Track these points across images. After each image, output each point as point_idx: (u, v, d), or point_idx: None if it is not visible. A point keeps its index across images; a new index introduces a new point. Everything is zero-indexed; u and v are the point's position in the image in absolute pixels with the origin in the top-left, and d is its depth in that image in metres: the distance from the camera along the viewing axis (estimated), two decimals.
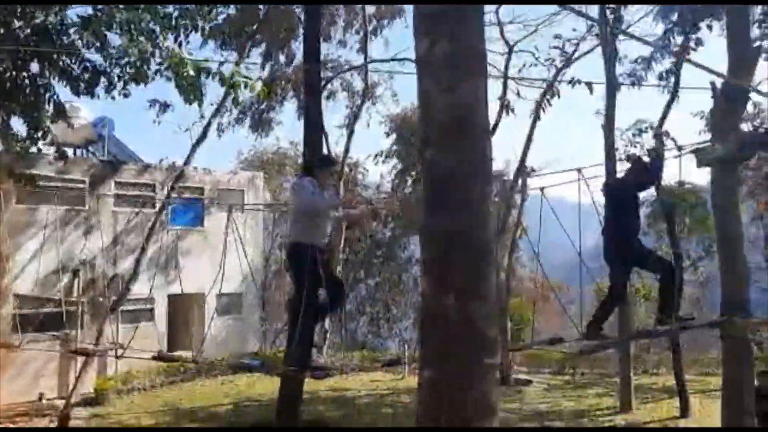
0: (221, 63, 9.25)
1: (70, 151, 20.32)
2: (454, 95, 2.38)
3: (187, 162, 16.92)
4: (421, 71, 2.50)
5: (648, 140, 14.22)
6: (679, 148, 6.12)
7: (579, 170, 8.40)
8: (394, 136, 26.12)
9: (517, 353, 19.34)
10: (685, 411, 12.79)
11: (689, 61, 10.73)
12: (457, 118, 2.39)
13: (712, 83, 7.04)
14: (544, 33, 16.71)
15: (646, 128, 14.62)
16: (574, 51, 16.48)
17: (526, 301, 22.26)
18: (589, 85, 11.56)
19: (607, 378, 17.03)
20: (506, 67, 17.48)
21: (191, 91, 8.94)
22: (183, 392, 15.52)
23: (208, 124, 16.55)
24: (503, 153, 49.93)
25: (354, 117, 20.77)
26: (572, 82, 11.66)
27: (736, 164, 6.48)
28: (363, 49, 19.96)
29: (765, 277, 22.66)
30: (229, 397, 14.88)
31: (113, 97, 9.13)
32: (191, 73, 8.71)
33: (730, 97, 7.04)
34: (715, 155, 6.41)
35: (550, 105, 14.85)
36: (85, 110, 17.92)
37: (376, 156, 25.78)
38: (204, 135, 16.47)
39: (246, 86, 9.45)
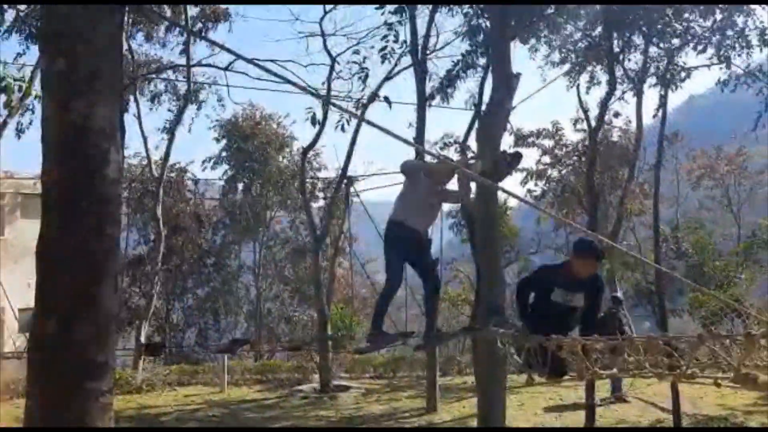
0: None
1: None
2: (68, 115, 2.35)
3: None
4: (42, 89, 2.44)
5: (452, 153, 15.07)
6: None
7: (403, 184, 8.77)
8: (224, 141, 25.59)
9: (341, 360, 19.71)
10: None
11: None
12: (70, 139, 2.35)
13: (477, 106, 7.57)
14: (365, 46, 16.83)
15: (452, 142, 15.50)
16: (394, 66, 17.17)
17: (351, 307, 22.64)
18: (387, 100, 12.05)
19: (422, 380, 17.76)
20: (329, 77, 17.72)
21: None
22: None
23: (3, 124, 15.23)
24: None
25: (176, 120, 20.05)
26: (370, 100, 12.05)
27: (494, 178, 6.96)
28: (186, 51, 19.35)
29: None
30: (19, 422, 13.65)
31: None
32: None
33: (491, 118, 7.65)
34: (475, 170, 6.92)
35: (355, 118, 15.22)
36: None
37: (204, 161, 25.07)
38: None
39: (20, 89, 8.79)
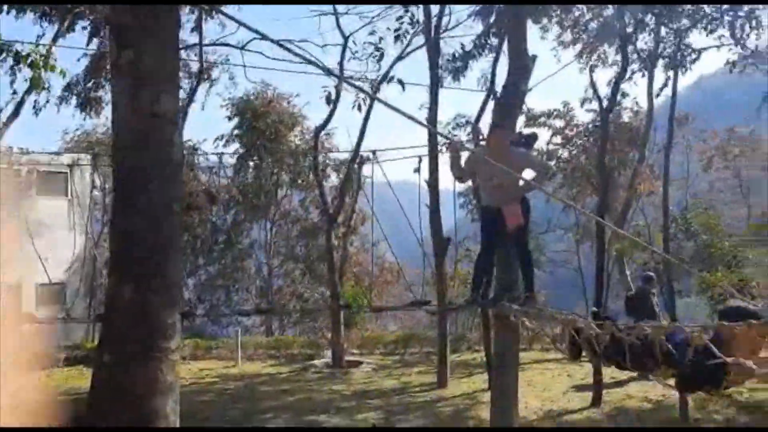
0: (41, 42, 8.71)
1: None
2: (137, 102, 2.57)
3: None
4: (113, 77, 2.66)
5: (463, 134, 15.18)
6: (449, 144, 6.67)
7: (420, 158, 9.11)
8: (236, 119, 25.73)
9: (352, 337, 20.03)
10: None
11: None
12: (140, 124, 2.57)
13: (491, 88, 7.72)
14: (380, 25, 16.84)
15: (465, 123, 15.60)
16: (406, 46, 17.22)
17: (364, 285, 22.88)
18: (400, 82, 12.21)
19: (433, 356, 18.06)
20: (342, 56, 17.79)
21: None
22: None
23: (21, 102, 15.47)
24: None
25: (189, 99, 20.19)
26: (382, 80, 12.18)
27: None
28: (198, 28, 19.44)
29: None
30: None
31: None
32: None
33: (507, 100, 7.82)
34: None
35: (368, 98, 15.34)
36: None
37: (216, 140, 25.27)
38: (15, 113, 15.37)
39: (44, 65, 8.98)
